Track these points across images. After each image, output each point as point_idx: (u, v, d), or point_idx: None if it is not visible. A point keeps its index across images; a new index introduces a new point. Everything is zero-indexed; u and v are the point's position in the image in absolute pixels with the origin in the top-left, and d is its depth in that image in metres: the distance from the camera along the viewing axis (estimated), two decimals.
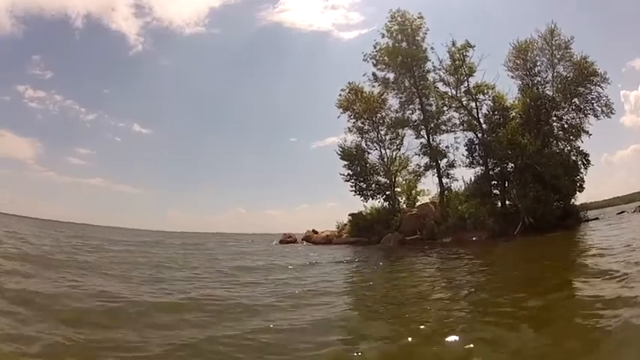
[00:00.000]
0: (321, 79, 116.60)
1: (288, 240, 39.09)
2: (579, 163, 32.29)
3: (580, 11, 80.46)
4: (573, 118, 32.75)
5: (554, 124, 33.17)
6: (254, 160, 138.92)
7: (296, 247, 33.40)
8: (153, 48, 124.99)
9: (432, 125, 36.24)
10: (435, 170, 36.08)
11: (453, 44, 34.45)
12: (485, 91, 34.63)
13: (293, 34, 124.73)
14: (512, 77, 34.55)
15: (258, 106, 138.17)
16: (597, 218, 33.45)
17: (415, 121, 36.89)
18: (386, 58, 36.27)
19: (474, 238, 28.51)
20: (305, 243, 37.84)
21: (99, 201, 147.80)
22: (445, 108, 36.16)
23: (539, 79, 33.36)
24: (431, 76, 36.20)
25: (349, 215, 37.88)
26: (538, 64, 33.38)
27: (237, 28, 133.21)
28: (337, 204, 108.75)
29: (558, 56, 32.53)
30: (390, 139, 38.56)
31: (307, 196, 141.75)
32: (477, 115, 34.75)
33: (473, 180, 34.28)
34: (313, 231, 39.97)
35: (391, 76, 37.28)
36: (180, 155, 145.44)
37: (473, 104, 34.95)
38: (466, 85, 34.72)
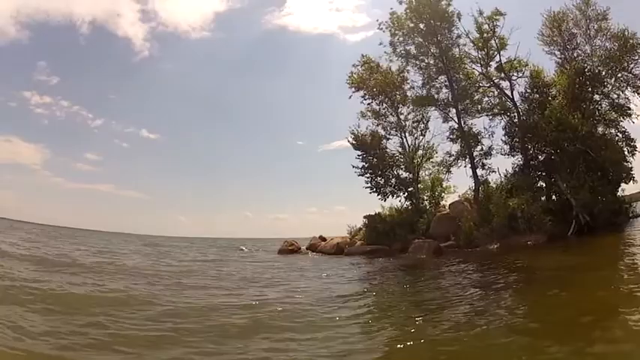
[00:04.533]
0: (327, 82, 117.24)
1: (289, 249, 32.44)
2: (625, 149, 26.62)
3: None
4: (618, 97, 27.07)
5: (597, 104, 27.55)
6: (262, 163, 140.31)
7: (295, 261, 26.35)
8: (159, 53, 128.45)
9: (464, 106, 30.10)
10: (468, 160, 29.85)
11: (480, 13, 28.66)
12: (519, 68, 28.81)
13: (299, 38, 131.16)
14: (547, 53, 28.88)
15: (265, 110, 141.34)
16: None
17: (443, 100, 30.69)
18: (412, 18, 29.88)
19: (529, 242, 22.03)
20: (310, 253, 31.27)
21: (106, 206, 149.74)
22: (473, 88, 30.20)
23: (579, 51, 27.94)
24: (456, 51, 30.32)
25: (364, 217, 31.68)
26: (577, 35, 27.95)
27: (243, 32, 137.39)
28: (346, 208, 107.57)
29: (595, 27, 27.07)
30: (413, 122, 32.56)
31: (315, 200, 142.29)
32: (512, 95, 29.09)
33: (513, 171, 28.40)
34: (320, 237, 33.57)
35: (412, 48, 31.07)
36: (188, 160, 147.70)
37: (505, 83, 29.33)
38: (497, 60, 28.99)
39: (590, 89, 26.64)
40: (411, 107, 32.77)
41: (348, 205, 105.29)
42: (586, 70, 26.44)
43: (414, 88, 32.28)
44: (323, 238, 33.17)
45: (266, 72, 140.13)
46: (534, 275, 13.01)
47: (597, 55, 26.90)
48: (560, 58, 28.36)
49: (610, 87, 26.89)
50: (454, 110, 30.23)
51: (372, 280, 16.56)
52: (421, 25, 29.82)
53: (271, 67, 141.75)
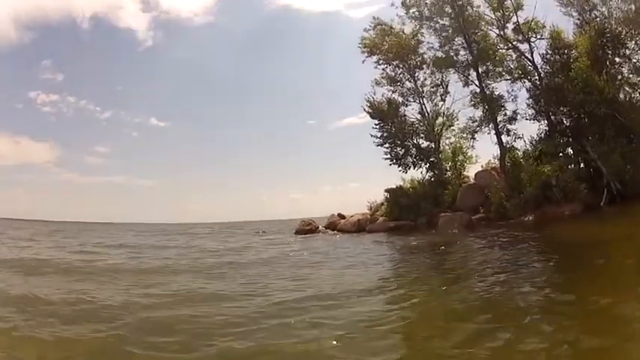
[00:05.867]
0: (333, 59, 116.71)
1: (306, 229, 31.03)
2: None
3: None
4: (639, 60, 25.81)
5: (619, 66, 26.13)
6: (274, 145, 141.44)
7: (314, 242, 24.76)
8: (164, 41, 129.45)
9: (485, 67, 28.79)
10: (492, 126, 28.69)
11: None
12: (537, 29, 27.62)
13: (302, 16, 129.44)
14: (565, 14, 27.51)
15: (273, 91, 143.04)
16: None
17: (463, 63, 29.28)
18: None
19: (565, 213, 20.95)
20: (330, 232, 30.04)
21: (119, 198, 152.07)
22: (491, 51, 28.79)
23: (596, 13, 26.48)
24: (471, 12, 28.99)
25: (386, 191, 30.18)
26: None
27: (246, 14, 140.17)
28: (360, 185, 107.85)
29: None
30: (431, 87, 31.34)
31: (329, 178, 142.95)
32: (532, 58, 27.92)
33: (538, 137, 27.31)
34: (339, 215, 32.13)
35: (425, 9, 29.73)
36: (200, 145, 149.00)
37: (524, 46, 28.16)
38: (515, 21, 27.83)
39: (610, 51, 25.52)
40: (429, 71, 31.57)
41: (362, 182, 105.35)
42: (606, 31, 25.25)
43: (431, 50, 31.05)
44: (342, 216, 31.80)
45: (272, 53, 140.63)
46: (588, 254, 11.44)
47: (614, 16, 25.72)
48: (579, 19, 27.15)
49: (630, 50, 25.67)
50: (474, 73, 29.03)
51: (402, 265, 14.11)
52: None
53: (277, 48, 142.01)
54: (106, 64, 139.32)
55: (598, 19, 26.14)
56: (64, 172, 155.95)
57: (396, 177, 31.09)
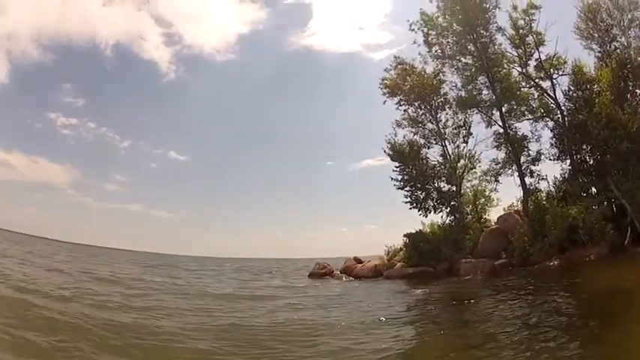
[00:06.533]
0: (353, 100, 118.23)
1: (321, 272, 30.22)
2: None
3: None
4: None
5: None
6: (291, 184, 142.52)
7: (327, 291, 22.31)
8: (186, 75, 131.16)
9: (508, 107, 28.37)
10: (515, 168, 28.10)
11: (514, 8, 27.44)
12: (559, 65, 27.10)
13: (324, 57, 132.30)
14: (585, 47, 27.38)
15: (292, 131, 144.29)
16: None
17: (486, 102, 28.78)
18: (444, 15, 28.52)
19: (591, 257, 20.03)
20: (345, 278, 28.88)
21: (134, 226, 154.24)
22: (515, 89, 28.38)
23: (616, 44, 26.38)
24: (493, 49, 28.68)
25: (405, 236, 29.00)
26: (612, 27, 26.50)
27: (268, 53, 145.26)
28: (378, 227, 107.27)
29: (629, 17, 25.75)
30: (454, 128, 30.80)
31: (346, 220, 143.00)
32: (555, 95, 27.46)
33: (562, 177, 26.70)
34: (355, 259, 31.06)
35: (447, 48, 29.56)
36: (217, 181, 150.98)
37: (546, 83, 27.79)
38: (537, 58, 27.52)
39: (632, 83, 25.12)
40: (451, 112, 31.23)
41: (380, 224, 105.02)
42: (627, 62, 24.95)
43: (453, 89, 30.77)
44: (358, 260, 30.73)
45: (292, 93, 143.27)
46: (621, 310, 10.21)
47: (633, 47, 25.60)
48: (600, 52, 26.92)
49: None
50: (498, 113, 28.58)
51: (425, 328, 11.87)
52: (455, 25, 28.49)
53: (298, 87, 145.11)
54: (128, 94, 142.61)
55: (618, 50, 26.00)
56: (79, 195, 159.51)
57: (414, 220, 30.29)
